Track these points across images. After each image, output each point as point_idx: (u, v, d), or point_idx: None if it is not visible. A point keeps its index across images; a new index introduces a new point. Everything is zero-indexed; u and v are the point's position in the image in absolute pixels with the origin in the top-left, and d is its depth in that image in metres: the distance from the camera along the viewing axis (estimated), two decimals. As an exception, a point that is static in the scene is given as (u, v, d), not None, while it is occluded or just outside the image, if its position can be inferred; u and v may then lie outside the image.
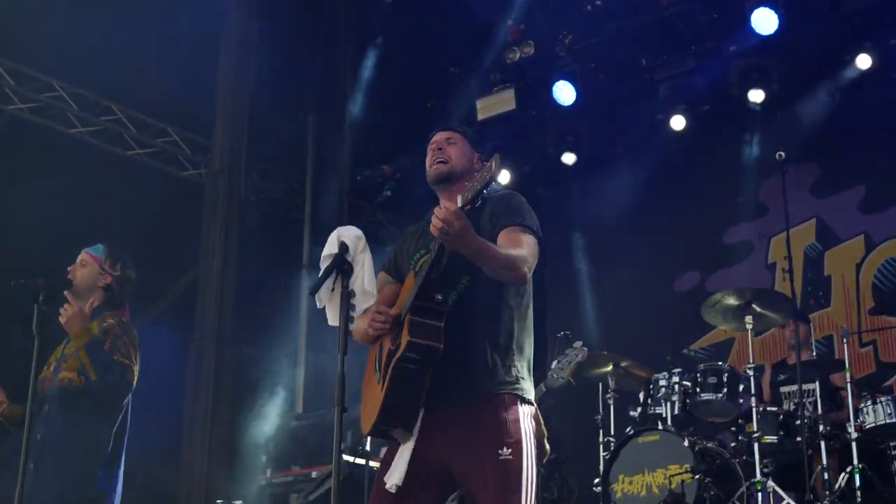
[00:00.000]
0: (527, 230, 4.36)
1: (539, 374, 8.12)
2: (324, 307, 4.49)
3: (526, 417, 4.29)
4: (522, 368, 4.36)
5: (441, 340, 4.12)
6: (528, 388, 4.36)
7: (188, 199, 12.31)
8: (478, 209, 4.35)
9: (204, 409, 11.07)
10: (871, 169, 10.85)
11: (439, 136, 4.67)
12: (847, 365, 8.05)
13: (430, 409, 4.22)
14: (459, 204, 4.00)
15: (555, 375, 7.43)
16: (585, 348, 7.56)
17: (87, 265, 5.93)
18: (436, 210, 4.01)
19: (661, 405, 8.36)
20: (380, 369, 4.30)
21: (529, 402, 4.34)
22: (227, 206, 12.01)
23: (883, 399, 7.87)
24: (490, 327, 4.32)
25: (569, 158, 11.89)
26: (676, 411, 8.28)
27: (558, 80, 11.19)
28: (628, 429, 8.38)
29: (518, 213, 4.40)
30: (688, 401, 8.29)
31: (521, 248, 4.28)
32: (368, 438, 7.91)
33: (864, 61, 10.23)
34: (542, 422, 6.85)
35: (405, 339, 4.12)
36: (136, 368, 5.72)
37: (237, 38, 12.37)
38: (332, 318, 4.41)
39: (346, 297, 4.25)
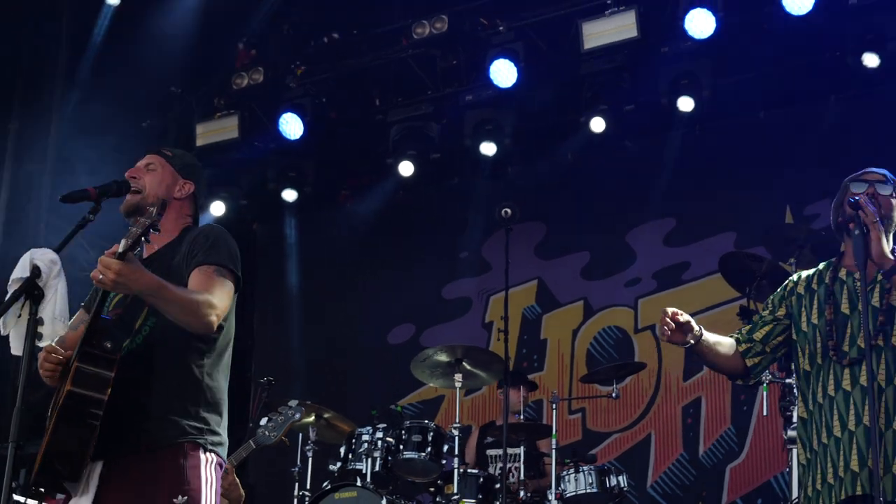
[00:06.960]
0: (222, 271, 4.46)
1: (238, 420, 8.32)
2: (8, 334, 4.56)
3: (208, 465, 4.44)
4: (211, 417, 4.50)
5: (105, 392, 4.20)
6: (215, 438, 4.51)
7: None
8: (175, 243, 4.60)
9: None
10: (594, 235, 11.52)
11: (141, 161, 4.76)
12: (554, 431, 8.67)
13: (108, 462, 4.35)
14: (121, 248, 4.12)
15: (266, 433, 7.52)
16: (303, 407, 7.79)
17: None
18: (99, 259, 4.13)
19: (361, 461, 8.52)
20: (52, 415, 4.33)
21: (214, 452, 4.49)
22: None
23: (585, 468, 8.49)
24: (174, 374, 4.44)
25: (290, 195, 11.98)
26: (377, 468, 8.47)
27: (286, 111, 11.35)
28: (326, 483, 8.60)
29: (216, 251, 4.49)
30: (390, 458, 8.52)
31: (211, 292, 4.36)
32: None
33: (598, 124, 10.57)
34: (239, 483, 6.96)
35: (66, 388, 4.19)
36: None
37: None
38: (17, 347, 4.49)
39: (33, 324, 4.34)
